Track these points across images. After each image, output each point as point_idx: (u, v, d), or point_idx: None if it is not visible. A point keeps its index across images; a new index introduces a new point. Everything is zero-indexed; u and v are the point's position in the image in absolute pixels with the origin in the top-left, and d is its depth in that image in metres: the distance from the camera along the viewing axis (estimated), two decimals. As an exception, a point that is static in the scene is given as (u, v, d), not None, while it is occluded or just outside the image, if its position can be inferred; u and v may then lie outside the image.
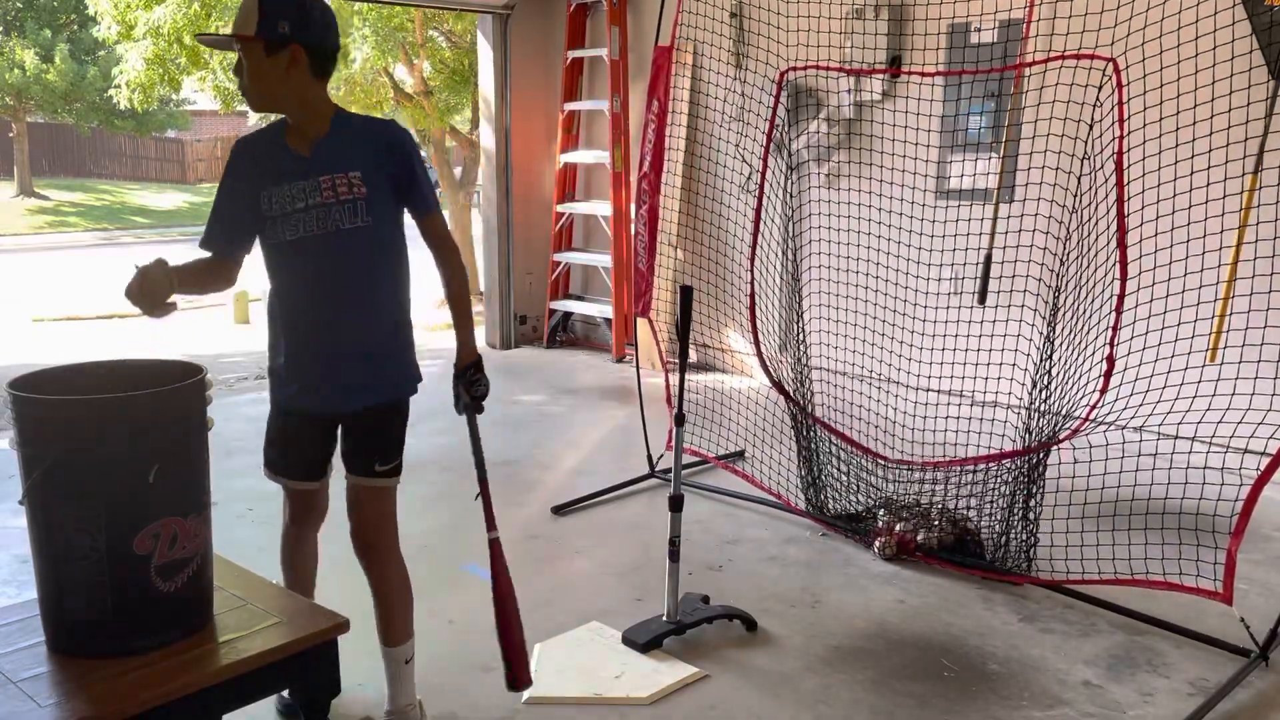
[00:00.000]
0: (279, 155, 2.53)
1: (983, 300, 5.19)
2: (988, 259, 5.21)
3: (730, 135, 6.57)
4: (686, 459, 4.66)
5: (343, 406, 2.65)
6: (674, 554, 3.27)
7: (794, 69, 4.72)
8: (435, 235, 2.66)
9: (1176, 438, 4.00)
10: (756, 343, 4.38)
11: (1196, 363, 3.71)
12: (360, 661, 3.13)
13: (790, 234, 4.81)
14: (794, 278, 4.79)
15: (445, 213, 12.99)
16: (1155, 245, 3.70)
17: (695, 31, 6.33)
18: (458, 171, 11.56)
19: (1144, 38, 3.89)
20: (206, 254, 2.61)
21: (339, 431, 2.73)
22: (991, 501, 3.91)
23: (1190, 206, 3.69)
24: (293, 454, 2.74)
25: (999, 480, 3.90)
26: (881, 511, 4.08)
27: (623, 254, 7.31)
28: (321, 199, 2.49)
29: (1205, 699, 2.97)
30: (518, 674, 2.66)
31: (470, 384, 2.71)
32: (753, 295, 4.48)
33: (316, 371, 2.61)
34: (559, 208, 7.82)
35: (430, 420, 5.90)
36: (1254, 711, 2.96)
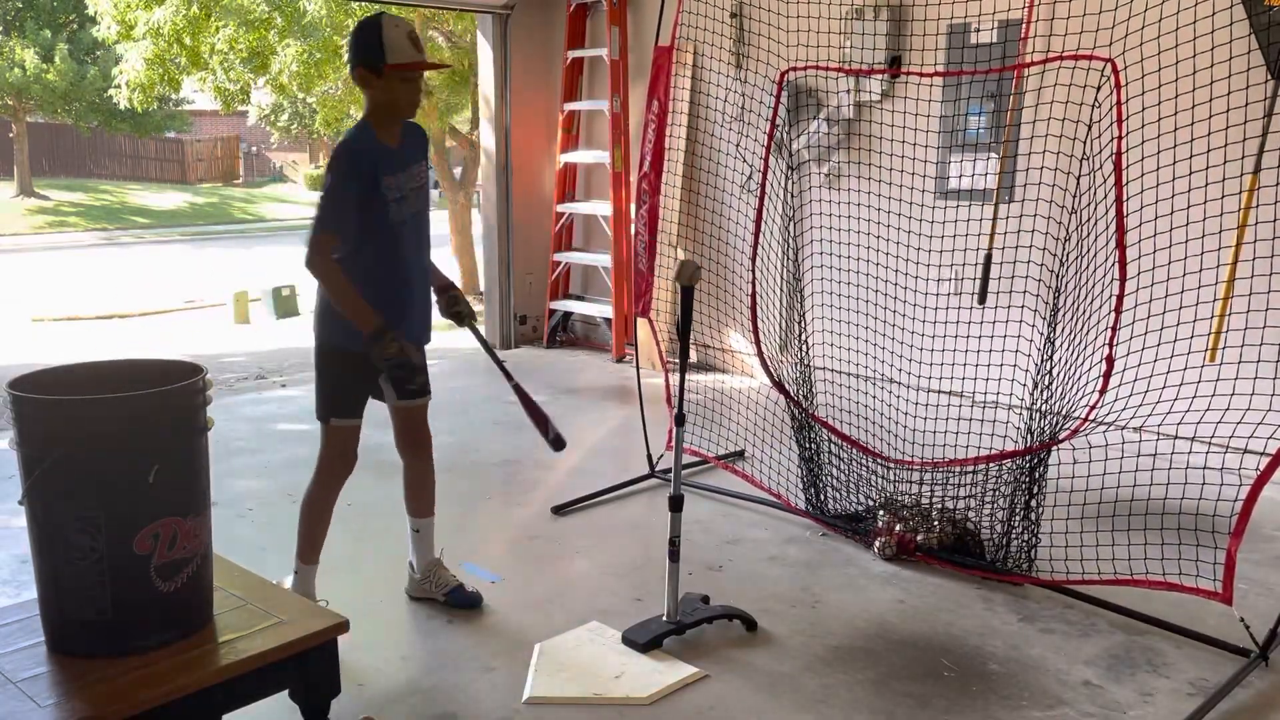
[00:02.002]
0: (384, 150, 3.13)
1: (982, 300, 5.19)
2: (988, 259, 5.21)
3: (730, 135, 6.57)
4: (686, 459, 4.65)
5: (423, 335, 3.34)
6: (674, 554, 3.28)
7: (794, 69, 4.72)
8: None
9: (1176, 438, 4.00)
10: (757, 342, 4.38)
11: (1196, 363, 3.71)
12: (360, 661, 3.13)
13: (791, 234, 4.81)
14: (795, 277, 4.80)
15: (444, 212, 12.98)
16: (1155, 245, 3.70)
17: (695, 31, 6.33)
18: (458, 171, 11.56)
19: (1143, 38, 3.89)
20: (331, 240, 3.07)
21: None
22: (992, 502, 3.91)
23: (1190, 206, 3.69)
24: (361, 395, 3.30)
25: (999, 480, 3.90)
26: (881, 511, 4.08)
27: (623, 254, 7.31)
28: (418, 183, 3.22)
29: (1205, 699, 2.97)
30: (556, 433, 3.41)
31: (453, 300, 3.38)
32: (754, 295, 4.48)
33: (409, 314, 3.24)
34: (559, 208, 7.82)
35: (432, 420, 5.90)
36: (1254, 711, 2.96)
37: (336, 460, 3.30)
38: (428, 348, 3.42)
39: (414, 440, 3.47)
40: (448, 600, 3.52)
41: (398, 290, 3.22)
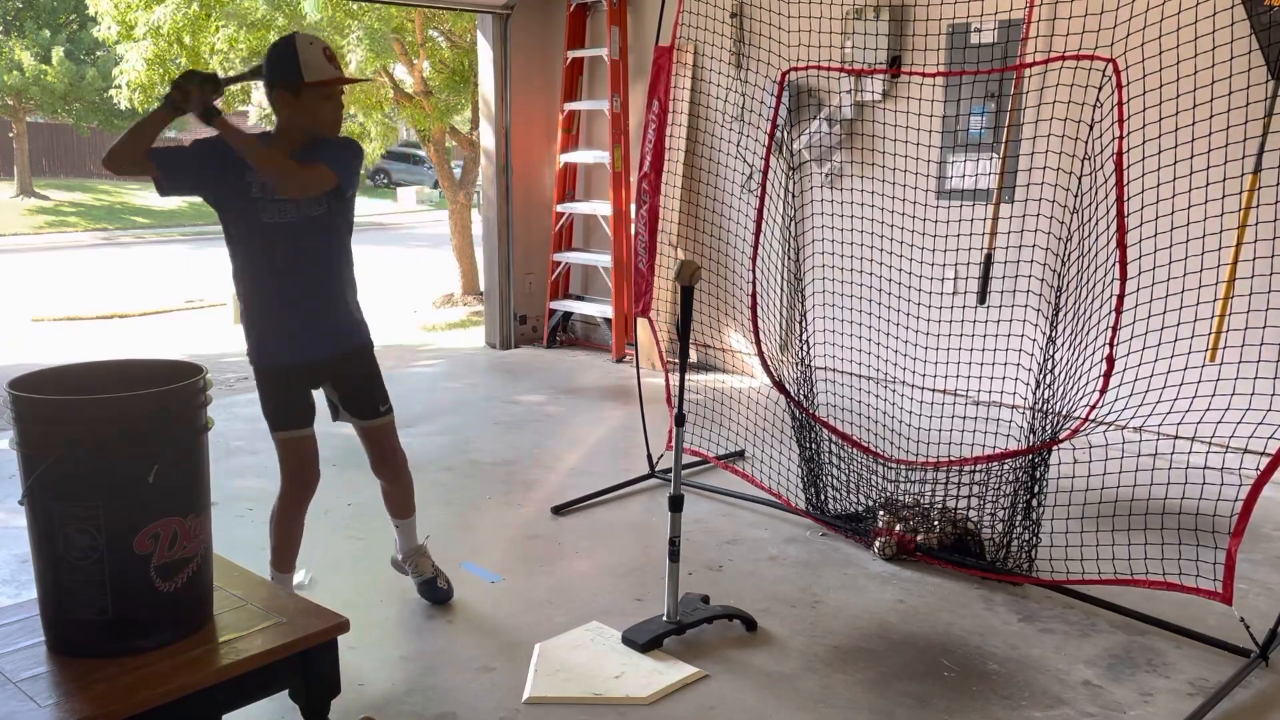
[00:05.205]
0: None
1: (982, 300, 5.20)
2: (988, 259, 5.21)
3: (731, 135, 6.58)
4: (686, 459, 4.66)
5: (331, 349, 3.21)
6: (674, 554, 3.28)
7: (795, 69, 4.72)
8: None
9: (1176, 438, 4.00)
10: (758, 342, 4.38)
11: (1196, 363, 3.71)
12: (360, 661, 3.14)
13: (791, 234, 4.82)
14: (795, 277, 4.80)
15: (445, 212, 13.00)
16: (1155, 245, 3.71)
17: (696, 31, 6.34)
18: (458, 171, 11.56)
19: (1144, 38, 3.90)
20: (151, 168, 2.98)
21: (327, 388, 3.30)
22: (993, 501, 3.91)
23: (1190, 206, 3.69)
24: (297, 407, 3.21)
25: (1000, 480, 3.90)
26: (881, 511, 4.08)
27: (623, 254, 7.31)
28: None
29: (1205, 699, 2.97)
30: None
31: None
32: (754, 295, 4.48)
33: (307, 323, 3.16)
34: (559, 208, 7.82)
35: (430, 420, 5.90)
36: (1254, 711, 2.96)
37: (294, 473, 3.24)
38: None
39: (384, 462, 3.41)
40: (419, 590, 3.59)
41: (275, 294, 3.12)
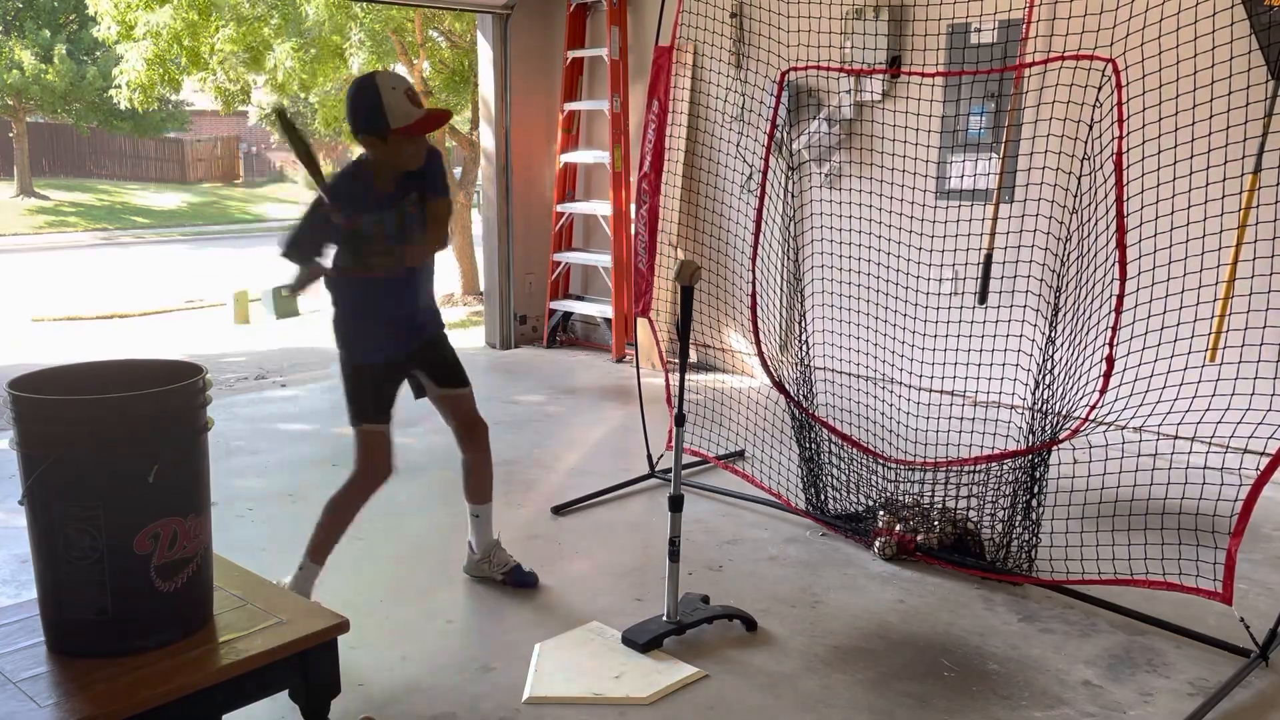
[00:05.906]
0: (371, 194, 3.22)
1: (983, 300, 5.20)
2: (988, 259, 5.21)
3: (730, 135, 6.58)
4: (686, 459, 4.66)
5: (422, 338, 3.41)
6: (674, 554, 3.28)
7: (795, 69, 4.72)
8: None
9: (1176, 438, 4.00)
10: (757, 342, 4.38)
11: (1196, 363, 3.71)
12: (360, 661, 3.14)
13: (791, 234, 4.82)
14: (795, 277, 4.80)
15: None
16: (1155, 245, 3.71)
17: (695, 31, 6.34)
18: (458, 171, 11.56)
19: (1144, 38, 3.90)
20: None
21: (416, 370, 3.46)
22: (992, 501, 3.91)
23: (1190, 206, 3.69)
24: (385, 398, 3.36)
25: (999, 480, 3.90)
26: (881, 511, 4.08)
27: (623, 254, 7.31)
28: (401, 211, 3.27)
29: (1205, 699, 2.97)
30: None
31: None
32: (754, 295, 4.48)
33: (408, 320, 3.36)
34: (559, 208, 7.82)
35: (430, 420, 5.90)
36: (1254, 711, 2.96)
37: (371, 464, 3.36)
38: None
39: (471, 426, 3.56)
40: (505, 579, 3.66)
41: (384, 296, 3.31)
